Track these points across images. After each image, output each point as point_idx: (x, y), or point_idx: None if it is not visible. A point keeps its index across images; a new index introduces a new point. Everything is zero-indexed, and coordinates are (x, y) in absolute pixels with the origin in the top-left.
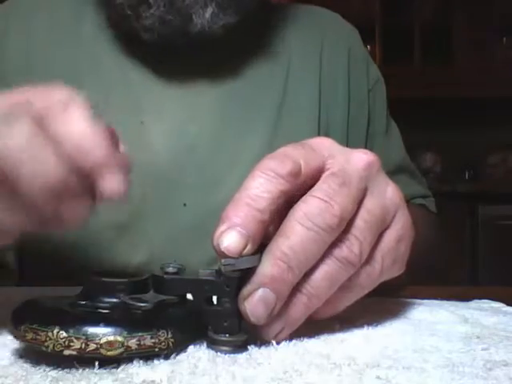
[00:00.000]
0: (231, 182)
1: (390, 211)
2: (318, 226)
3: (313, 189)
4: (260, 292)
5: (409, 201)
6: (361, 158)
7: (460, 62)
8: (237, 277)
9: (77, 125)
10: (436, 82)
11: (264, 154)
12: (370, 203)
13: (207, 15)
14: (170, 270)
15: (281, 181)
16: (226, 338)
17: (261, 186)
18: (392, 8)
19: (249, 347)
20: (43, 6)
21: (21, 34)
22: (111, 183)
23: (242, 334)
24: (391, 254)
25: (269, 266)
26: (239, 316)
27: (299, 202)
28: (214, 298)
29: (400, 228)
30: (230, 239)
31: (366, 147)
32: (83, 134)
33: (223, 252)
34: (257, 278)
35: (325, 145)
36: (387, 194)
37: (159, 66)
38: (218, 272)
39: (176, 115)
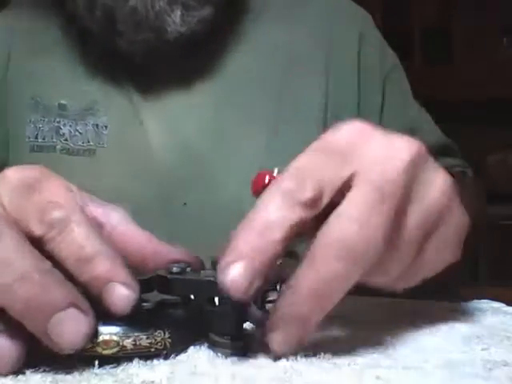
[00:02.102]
0: (232, 179)
1: (434, 217)
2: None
3: (343, 205)
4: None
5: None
6: (401, 157)
7: (460, 62)
8: None
9: (81, 238)
10: (436, 82)
11: (265, 150)
12: (412, 217)
13: (177, 19)
14: (175, 269)
15: (300, 208)
16: (227, 340)
17: (277, 211)
18: (392, 8)
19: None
20: (27, 16)
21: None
22: (115, 298)
23: (245, 336)
24: (431, 265)
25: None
26: (241, 318)
27: (329, 224)
28: (216, 300)
29: (446, 233)
30: (236, 272)
31: None
32: (87, 246)
33: (227, 286)
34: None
35: (358, 140)
36: (434, 195)
37: (153, 68)
38: None
39: (174, 114)
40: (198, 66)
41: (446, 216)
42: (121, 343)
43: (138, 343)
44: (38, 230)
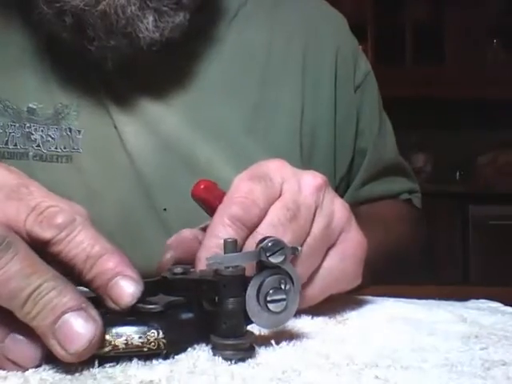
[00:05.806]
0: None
1: (335, 230)
2: None
3: (264, 222)
4: None
5: (395, 196)
6: (310, 182)
7: (451, 62)
8: (232, 275)
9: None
10: (427, 82)
11: (242, 152)
12: (316, 227)
13: (150, 26)
14: (177, 270)
15: (246, 230)
16: (228, 341)
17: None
18: (384, 7)
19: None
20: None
21: None
22: (121, 291)
23: (246, 337)
24: (333, 274)
25: None
26: (243, 319)
27: (250, 239)
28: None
29: (346, 246)
30: None
31: (355, 146)
32: (96, 244)
33: None
34: None
35: (280, 170)
36: (334, 213)
37: (125, 73)
38: (216, 271)
39: (148, 118)
40: (171, 72)
41: (344, 232)
42: (113, 342)
43: (129, 343)
44: (47, 233)
